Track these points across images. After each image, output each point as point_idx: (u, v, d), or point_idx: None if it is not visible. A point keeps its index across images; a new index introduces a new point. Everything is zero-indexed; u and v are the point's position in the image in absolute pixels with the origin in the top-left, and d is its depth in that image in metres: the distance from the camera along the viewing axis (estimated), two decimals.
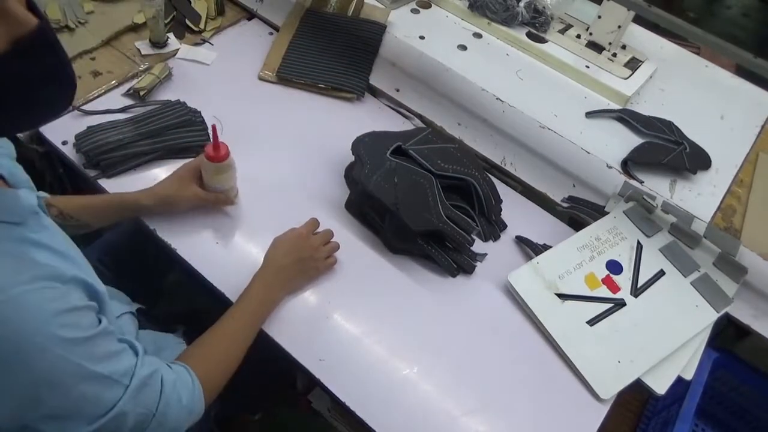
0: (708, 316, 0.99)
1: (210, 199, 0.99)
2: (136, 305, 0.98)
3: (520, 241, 1.09)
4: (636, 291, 1.00)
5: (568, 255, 1.04)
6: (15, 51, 0.49)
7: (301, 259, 0.93)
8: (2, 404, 0.54)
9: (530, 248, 1.07)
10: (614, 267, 1.02)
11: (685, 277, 1.02)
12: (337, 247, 0.99)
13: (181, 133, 1.12)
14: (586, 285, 1.00)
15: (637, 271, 1.02)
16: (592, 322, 0.97)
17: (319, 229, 1.00)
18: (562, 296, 0.99)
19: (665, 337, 0.96)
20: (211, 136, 0.93)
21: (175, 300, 1.30)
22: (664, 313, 0.98)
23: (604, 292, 1.00)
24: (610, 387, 0.92)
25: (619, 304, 0.99)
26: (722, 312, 0.99)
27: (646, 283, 1.01)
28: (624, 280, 1.02)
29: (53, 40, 0.53)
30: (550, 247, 1.07)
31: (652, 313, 0.98)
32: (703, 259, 1.07)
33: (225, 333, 0.84)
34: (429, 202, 1.00)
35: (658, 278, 1.02)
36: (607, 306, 0.99)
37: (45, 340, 0.54)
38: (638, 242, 1.05)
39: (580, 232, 1.07)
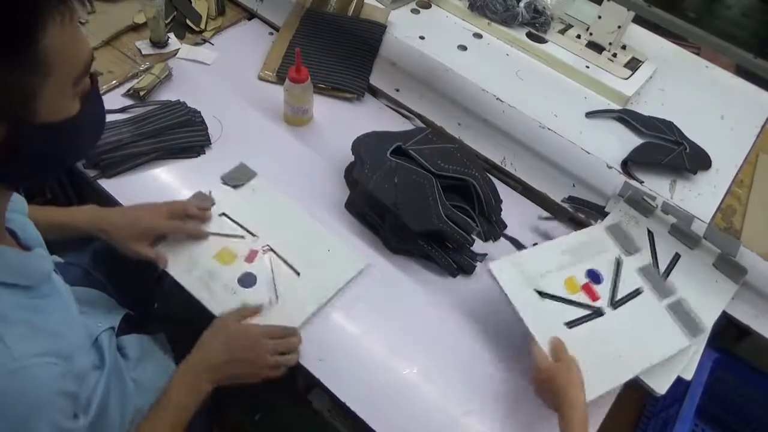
0: (681, 341, 0.96)
1: (150, 255, 0.93)
2: (124, 310, 0.97)
3: (507, 239, 1.09)
4: (614, 303, 0.99)
5: (550, 256, 1.03)
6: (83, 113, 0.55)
7: (240, 361, 0.82)
8: None
9: (516, 246, 1.08)
10: (594, 276, 1.01)
11: (660, 300, 1.00)
12: (294, 360, 0.87)
13: (180, 133, 1.12)
14: (566, 288, 0.99)
15: (616, 284, 1.01)
16: (570, 325, 0.95)
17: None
18: (542, 294, 0.97)
19: (639, 354, 0.93)
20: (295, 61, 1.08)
21: (169, 301, 1.30)
22: (640, 330, 0.96)
23: (583, 298, 0.98)
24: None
25: (598, 312, 0.97)
26: (697, 337, 0.97)
27: (624, 297, 1.00)
28: (603, 290, 1.00)
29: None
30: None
31: (629, 326, 0.96)
32: (703, 260, 1.07)
33: None
34: (429, 203, 1.00)
35: (636, 295, 1.00)
36: (586, 312, 0.97)
37: (42, 416, 0.53)
38: (617, 258, 1.04)
39: (565, 237, 1.06)
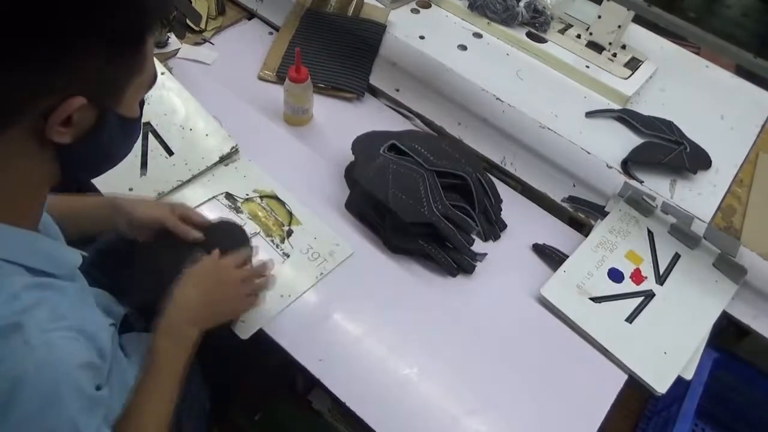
0: (729, 289, 1.03)
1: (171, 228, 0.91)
2: (125, 309, 0.97)
3: (538, 250, 1.09)
4: (660, 278, 1.03)
5: (586, 256, 1.05)
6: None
7: (213, 291, 0.81)
8: None
9: (548, 256, 1.07)
10: (633, 258, 1.06)
11: (698, 256, 1.06)
12: (265, 285, 0.87)
13: None
14: (611, 280, 1.03)
15: (656, 258, 1.05)
16: (630, 319, 0.98)
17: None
18: (596, 299, 1.00)
19: (698, 317, 1.00)
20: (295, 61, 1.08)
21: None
22: (691, 295, 1.02)
23: (631, 286, 1.02)
24: (666, 379, 0.93)
25: (649, 295, 1.01)
26: (741, 282, 1.04)
27: (667, 269, 1.04)
28: (646, 269, 1.04)
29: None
30: (563, 252, 1.07)
31: (682, 296, 1.02)
32: (703, 260, 1.08)
33: (149, 409, 0.73)
34: (421, 195, 1.00)
35: (676, 261, 1.05)
36: (639, 300, 1.00)
37: (71, 386, 0.55)
38: (648, 230, 1.08)
39: (591, 234, 1.09)
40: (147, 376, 0.75)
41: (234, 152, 1.13)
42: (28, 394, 0.52)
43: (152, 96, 1.12)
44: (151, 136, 1.09)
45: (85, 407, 0.56)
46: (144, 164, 1.06)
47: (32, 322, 0.53)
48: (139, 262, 0.95)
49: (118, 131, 0.60)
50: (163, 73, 1.16)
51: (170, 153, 1.09)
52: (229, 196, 1.07)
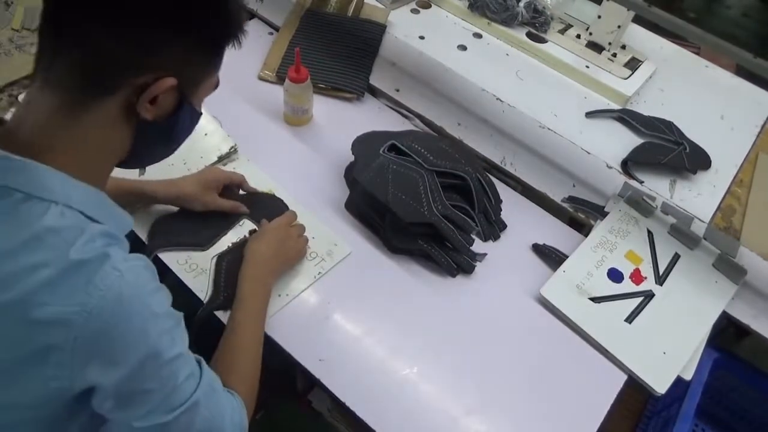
0: (728, 289, 1.03)
1: (226, 207, 1.01)
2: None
3: (538, 250, 1.09)
4: (660, 279, 1.03)
5: (585, 256, 1.05)
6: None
7: (278, 246, 0.95)
8: (111, 372, 0.57)
9: (548, 256, 1.07)
10: (633, 258, 1.06)
11: (697, 257, 1.06)
12: (306, 239, 1.01)
13: None
14: (611, 281, 1.03)
15: (655, 258, 1.05)
16: (630, 319, 0.99)
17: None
18: (596, 299, 1.00)
19: (698, 317, 1.00)
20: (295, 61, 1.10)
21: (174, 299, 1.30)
22: (691, 295, 1.02)
23: (630, 286, 1.02)
24: (665, 379, 0.92)
25: (649, 296, 1.01)
26: (741, 283, 1.04)
27: (667, 269, 1.04)
28: (646, 269, 1.05)
29: None
30: (562, 252, 1.07)
31: (681, 296, 1.02)
32: (703, 261, 1.08)
33: (243, 343, 0.83)
34: (421, 195, 1.00)
35: (676, 262, 1.05)
36: (639, 300, 1.01)
37: (158, 305, 0.61)
38: (648, 230, 1.08)
39: (591, 234, 1.09)
40: (236, 315, 0.85)
41: (233, 152, 1.13)
42: (128, 313, 0.57)
43: None
44: None
45: (176, 322, 0.64)
46: None
47: (115, 254, 0.58)
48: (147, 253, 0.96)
49: (188, 121, 0.68)
50: None
51: None
52: None
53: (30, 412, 0.59)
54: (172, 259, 0.97)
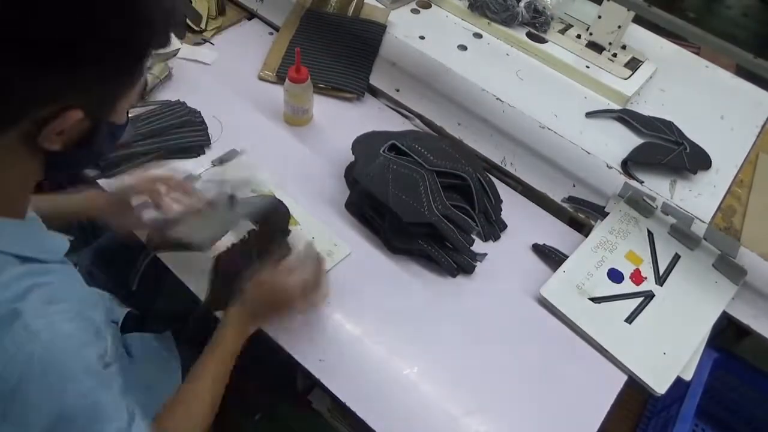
0: (728, 290, 1.03)
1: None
2: (126, 309, 0.97)
3: (538, 250, 1.09)
4: (660, 279, 1.03)
5: (586, 256, 1.05)
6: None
7: (278, 310, 0.88)
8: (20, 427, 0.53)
9: (548, 256, 1.07)
10: (633, 259, 1.06)
11: (697, 257, 1.06)
12: (315, 302, 0.91)
13: (180, 133, 1.12)
14: (611, 281, 1.03)
15: (656, 258, 1.05)
16: (630, 320, 0.99)
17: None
18: (596, 299, 1.00)
19: (698, 318, 1.00)
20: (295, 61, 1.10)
21: (171, 299, 1.30)
22: (691, 296, 1.03)
23: (631, 286, 1.02)
24: (665, 380, 0.93)
25: (649, 296, 1.01)
26: (741, 283, 1.04)
27: (667, 269, 1.04)
28: (646, 269, 1.05)
29: None
30: (562, 252, 1.07)
31: (681, 297, 1.02)
32: (703, 261, 1.08)
33: (205, 394, 0.77)
34: (421, 196, 1.00)
35: (676, 262, 1.06)
36: (639, 300, 1.01)
37: (77, 365, 0.55)
38: (648, 230, 1.08)
39: (591, 234, 1.09)
40: (208, 360, 0.79)
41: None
42: (40, 376, 0.53)
43: None
44: None
45: (99, 382, 0.57)
46: None
47: (29, 308, 0.53)
48: (138, 262, 0.95)
49: (108, 137, 0.61)
50: None
51: None
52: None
53: None
54: (171, 258, 0.96)
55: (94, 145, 0.59)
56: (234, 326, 0.83)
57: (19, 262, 0.56)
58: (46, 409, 0.53)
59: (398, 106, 1.31)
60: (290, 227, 1.01)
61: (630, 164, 1.19)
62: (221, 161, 1.12)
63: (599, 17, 1.38)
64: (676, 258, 1.08)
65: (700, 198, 1.18)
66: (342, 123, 1.24)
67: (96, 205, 0.92)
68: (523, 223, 1.13)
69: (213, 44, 1.36)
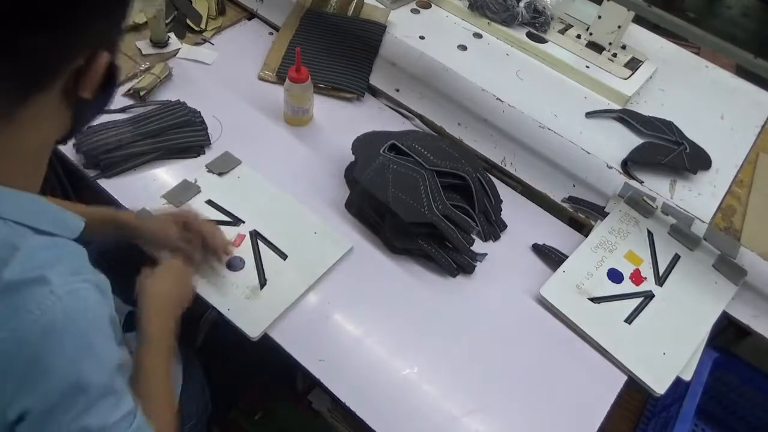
0: (728, 290, 1.04)
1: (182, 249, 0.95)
2: (128, 307, 0.97)
3: (538, 250, 1.09)
4: (660, 279, 1.03)
5: (585, 256, 1.06)
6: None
7: (183, 290, 0.89)
8: (38, 403, 0.53)
9: (548, 256, 1.07)
10: (632, 259, 1.06)
11: (697, 258, 1.06)
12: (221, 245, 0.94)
13: (180, 133, 1.12)
14: (611, 281, 1.03)
15: (655, 259, 1.05)
16: (629, 320, 0.99)
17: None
18: (595, 300, 1.00)
19: (697, 318, 1.00)
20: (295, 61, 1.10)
21: None
22: (691, 296, 1.03)
23: (630, 287, 1.03)
24: (664, 380, 0.93)
25: (649, 296, 1.01)
26: (741, 283, 1.04)
27: (667, 269, 1.04)
28: (646, 270, 1.05)
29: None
30: (562, 252, 1.07)
31: (681, 296, 1.02)
32: (703, 261, 1.08)
33: (158, 390, 0.76)
34: (421, 195, 1.00)
35: (676, 262, 1.06)
36: (639, 300, 1.01)
37: (96, 336, 0.56)
38: (648, 230, 1.08)
39: (591, 235, 1.09)
40: (146, 358, 0.77)
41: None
42: (60, 341, 0.53)
43: None
44: None
45: (117, 360, 0.58)
46: None
47: (56, 275, 0.54)
48: (142, 261, 0.95)
49: (115, 81, 0.63)
50: None
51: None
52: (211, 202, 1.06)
53: None
54: None
55: (111, 87, 0.62)
56: (158, 317, 0.82)
57: (37, 234, 0.57)
58: (63, 375, 0.54)
59: (398, 106, 1.31)
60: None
61: (630, 164, 1.19)
62: (216, 166, 1.10)
63: (599, 17, 1.38)
64: (676, 258, 1.08)
65: (700, 198, 1.18)
66: (342, 123, 1.24)
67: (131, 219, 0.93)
68: (523, 223, 1.13)
69: (213, 44, 1.36)
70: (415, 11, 1.49)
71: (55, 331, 0.53)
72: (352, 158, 1.12)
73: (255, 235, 1.01)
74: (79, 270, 0.58)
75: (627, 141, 1.25)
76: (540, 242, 1.09)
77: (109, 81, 0.61)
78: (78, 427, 0.54)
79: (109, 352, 0.58)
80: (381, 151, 1.06)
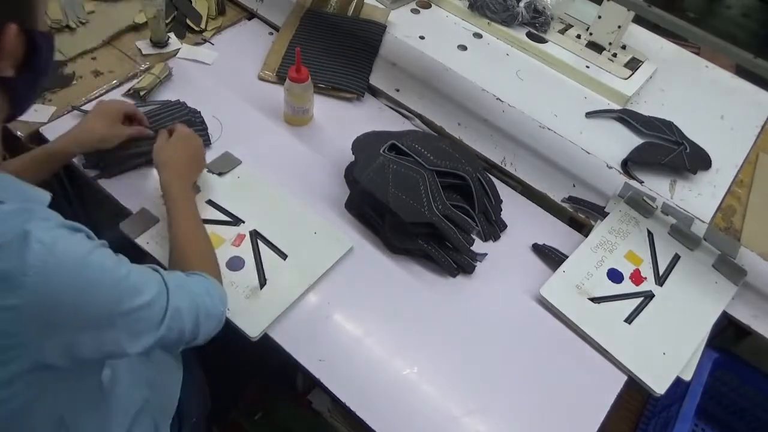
0: (728, 290, 1.03)
1: (134, 133, 1.03)
2: None
3: (538, 250, 1.09)
4: (660, 279, 1.03)
5: (585, 256, 1.06)
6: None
7: (195, 153, 1.00)
8: (82, 334, 0.58)
9: (548, 256, 1.07)
10: (632, 259, 1.06)
11: (697, 258, 1.06)
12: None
13: None
14: (611, 281, 1.03)
15: (655, 259, 1.05)
16: (629, 320, 0.99)
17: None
18: (595, 300, 1.00)
19: (697, 318, 1.00)
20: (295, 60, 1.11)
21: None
22: (690, 296, 1.03)
23: (630, 287, 1.02)
24: (664, 380, 0.92)
25: (649, 296, 1.01)
26: (741, 283, 1.04)
27: (667, 269, 1.04)
28: (646, 270, 1.05)
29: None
30: (562, 252, 1.07)
31: (681, 296, 1.02)
32: (703, 262, 1.08)
33: (190, 234, 0.88)
34: (421, 195, 1.00)
35: (676, 262, 1.06)
36: (638, 300, 1.01)
37: (92, 267, 0.59)
38: (648, 230, 1.08)
39: (591, 235, 1.09)
40: (175, 214, 0.88)
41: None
42: (74, 280, 0.57)
43: None
44: None
45: (124, 265, 0.63)
46: None
47: (35, 227, 0.55)
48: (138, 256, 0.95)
49: (46, 47, 0.62)
50: None
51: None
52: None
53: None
54: (142, 241, 0.97)
55: (41, 60, 0.61)
56: (177, 182, 0.92)
57: (8, 207, 0.57)
58: (97, 304, 0.58)
59: (398, 106, 1.31)
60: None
61: (630, 164, 1.19)
62: (216, 166, 1.10)
63: (599, 17, 1.38)
64: (676, 258, 1.08)
65: (700, 198, 1.18)
66: (342, 123, 1.24)
67: (77, 153, 1.00)
68: (523, 223, 1.13)
69: (213, 44, 1.36)
70: (415, 11, 1.49)
71: (53, 277, 0.55)
72: (352, 158, 1.12)
73: (255, 235, 1.01)
74: (51, 217, 0.59)
75: (627, 141, 1.25)
76: (540, 242, 1.09)
77: (33, 56, 0.60)
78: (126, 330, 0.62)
79: (116, 264, 0.62)
80: (381, 151, 1.06)
